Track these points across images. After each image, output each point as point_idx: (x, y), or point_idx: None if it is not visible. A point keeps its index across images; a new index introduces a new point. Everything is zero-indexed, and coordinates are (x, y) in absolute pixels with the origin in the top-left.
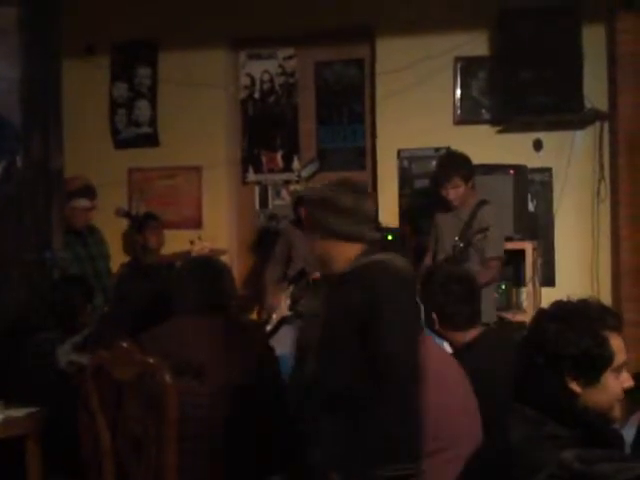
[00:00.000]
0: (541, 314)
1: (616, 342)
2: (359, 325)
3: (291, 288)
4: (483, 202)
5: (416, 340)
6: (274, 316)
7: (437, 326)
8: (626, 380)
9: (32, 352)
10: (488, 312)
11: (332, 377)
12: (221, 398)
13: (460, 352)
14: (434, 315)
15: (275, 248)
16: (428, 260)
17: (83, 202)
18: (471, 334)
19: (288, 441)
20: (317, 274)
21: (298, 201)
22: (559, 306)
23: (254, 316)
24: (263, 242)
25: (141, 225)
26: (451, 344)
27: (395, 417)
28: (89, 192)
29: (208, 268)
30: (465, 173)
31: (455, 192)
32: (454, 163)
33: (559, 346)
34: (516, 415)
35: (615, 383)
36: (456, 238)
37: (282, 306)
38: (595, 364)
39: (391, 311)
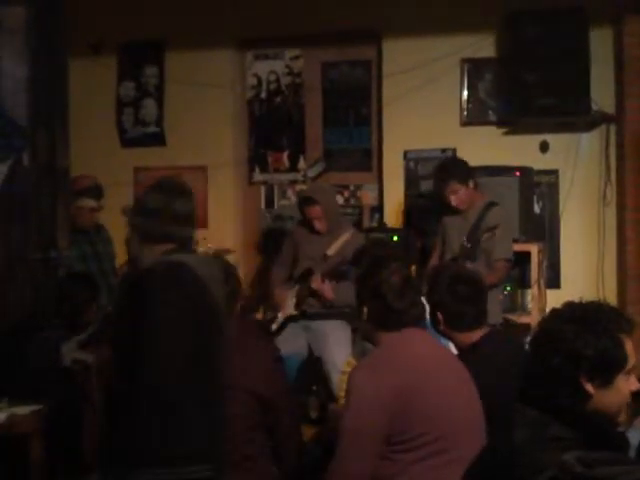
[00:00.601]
0: (555, 315)
1: (629, 345)
2: (127, 326)
3: (297, 287)
4: (492, 204)
5: (180, 349)
6: (279, 315)
7: (442, 326)
8: (633, 383)
9: (37, 350)
10: (494, 313)
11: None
12: (227, 398)
13: (465, 353)
14: (439, 315)
15: (282, 248)
16: (434, 260)
17: (89, 202)
18: (476, 335)
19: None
20: (313, 280)
21: (303, 201)
22: (573, 307)
23: (259, 316)
24: (269, 242)
25: None
26: (456, 345)
27: (147, 420)
28: (96, 192)
29: (214, 267)
30: (461, 175)
31: (456, 197)
32: (447, 169)
33: (577, 347)
34: (519, 416)
35: (625, 385)
36: (464, 239)
37: (288, 305)
38: (611, 366)
39: (152, 319)
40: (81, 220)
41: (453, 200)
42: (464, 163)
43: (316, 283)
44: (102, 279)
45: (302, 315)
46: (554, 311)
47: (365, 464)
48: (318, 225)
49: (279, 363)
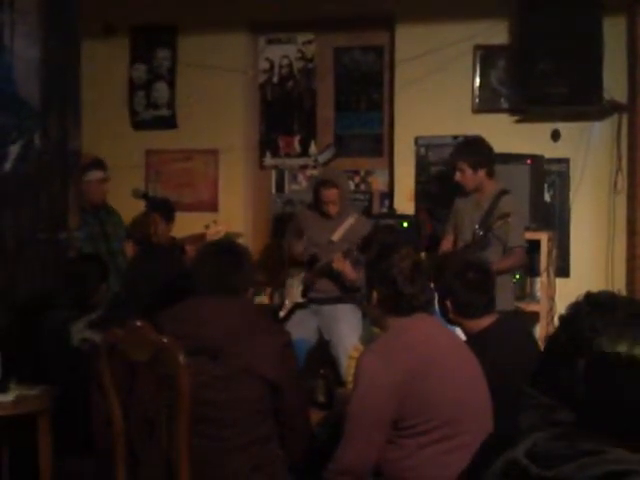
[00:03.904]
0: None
1: None
2: None
3: (303, 274)
4: (504, 192)
5: None
6: (287, 302)
7: (451, 314)
8: None
9: (46, 330)
10: (507, 300)
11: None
12: (236, 381)
13: (473, 340)
14: (448, 303)
15: (288, 229)
16: (445, 246)
17: (97, 174)
18: (485, 322)
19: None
20: (335, 259)
21: (322, 183)
22: (595, 294)
23: (267, 300)
24: (278, 228)
25: (156, 209)
26: (465, 332)
27: None
28: (99, 164)
29: (230, 251)
30: (472, 160)
31: (461, 175)
32: (461, 148)
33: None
34: (527, 400)
35: None
36: (476, 226)
37: (295, 292)
38: None
39: None
40: (92, 194)
41: (457, 176)
42: (481, 150)
43: (339, 263)
44: (110, 259)
45: (309, 302)
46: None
47: (371, 449)
48: (332, 209)
49: (289, 348)
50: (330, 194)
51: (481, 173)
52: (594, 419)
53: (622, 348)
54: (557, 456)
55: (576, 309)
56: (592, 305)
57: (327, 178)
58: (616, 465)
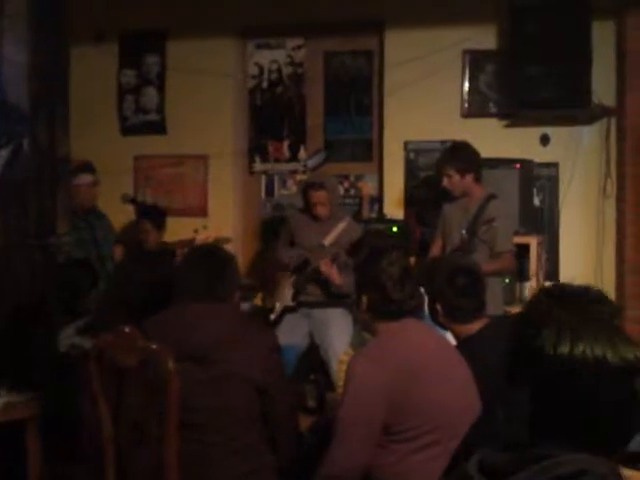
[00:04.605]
0: (540, 291)
1: None
2: None
3: (294, 278)
4: (492, 196)
5: None
6: (277, 305)
7: (441, 318)
8: None
9: (35, 336)
10: (496, 305)
11: None
12: (224, 387)
13: (463, 344)
14: (438, 307)
15: (280, 233)
16: (434, 252)
17: (87, 178)
18: (475, 326)
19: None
20: (324, 265)
21: (310, 185)
22: (558, 286)
23: (258, 303)
24: (268, 232)
25: (145, 214)
26: (455, 336)
27: None
28: (89, 168)
29: (214, 256)
30: (459, 165)
31: (448, 181)
32: (448, 153)
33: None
34: (503, 396)
35: None
36: (463, 231)
37: (285, 296)
38: None
39: None
40: (81, 198)
41: (444, 182)
42: (470, 154)
43: (325, 267)
44: (100, 264)
45: (299, 305)
46: (542, 288)
47: (362, 454)
48: (321, 210)
49: (276, 352)
50: (318, 196)
51: (468, 178)
52: (544, 424)
53: (563, 349)
54: (505, 467)
55: (529, 306)
56: (534, 307)
57: (315, 180)
58: (566, 468)
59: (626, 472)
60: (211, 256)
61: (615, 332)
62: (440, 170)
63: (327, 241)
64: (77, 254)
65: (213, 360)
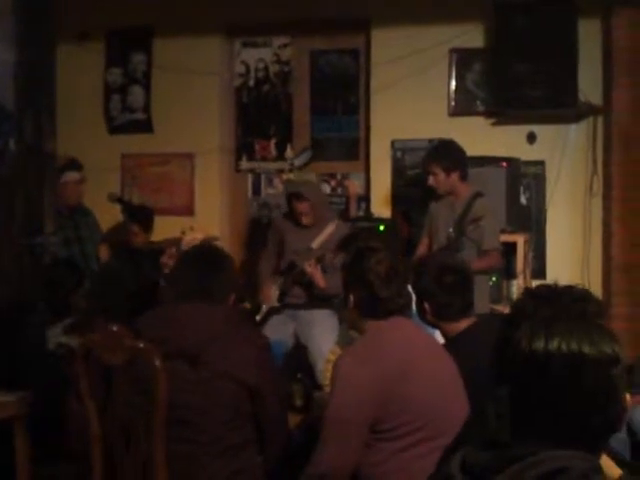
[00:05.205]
0: (524, 293)
1: None
2: None
3: (281, 280)
4: (478, 194)
5: None
6: (264, 307)
7: (429, 316)
8: None
9: (22, 335)
10: (481, 303)
11: None
12: (215, 386)
13: (451, 342)
14: (426, 305)
15: (268, 238)
16: (421, 250)
17: (73, 175)
18: (463, 324)
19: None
20: (308, 266)
21: (293, 196)
22: (543, 287)
23: (247, 305)
24: (255, 232)
25: (134, 216)
26: (443, 334)
27: None
28: (76, 165)
29: (211, 257)
30: (444, 163)
31: (433, 179)
32: (433, 152)
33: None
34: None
35: None
36: (450, 229)
37: (271, 297)
38: None
39: None
40: (67, 195)
41: (429, 180)
42: (455, 152)
43: (310, 268)
44: (84, 263)
45: (285, 307)
46: (526, 288)
47: (349, 452)
48: (305, 220)
49: (268, 353)
50: (302, 207)
51: (454, 176)
52: (524, 421)
53: (538, 345)
54: (487, 467)
55: (512, 306)
56: (515, 306)
57: (296, 191)
58: (547, 465)
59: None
60: (209, 256)
61: (595, 328)
62: (426, 168)
63: (315, 244)
64: (62, 253)
65: (204, 359)
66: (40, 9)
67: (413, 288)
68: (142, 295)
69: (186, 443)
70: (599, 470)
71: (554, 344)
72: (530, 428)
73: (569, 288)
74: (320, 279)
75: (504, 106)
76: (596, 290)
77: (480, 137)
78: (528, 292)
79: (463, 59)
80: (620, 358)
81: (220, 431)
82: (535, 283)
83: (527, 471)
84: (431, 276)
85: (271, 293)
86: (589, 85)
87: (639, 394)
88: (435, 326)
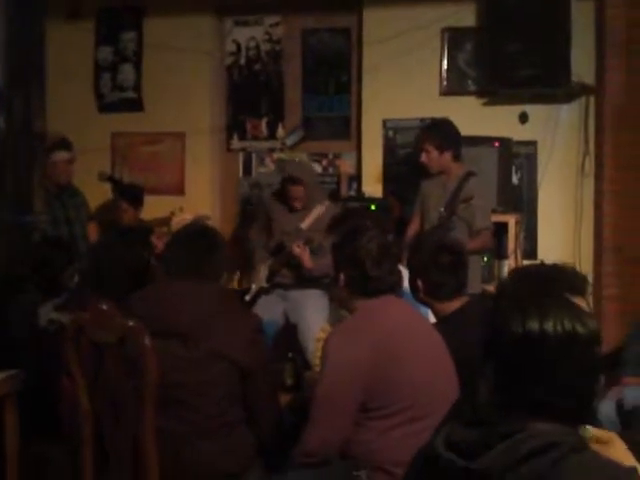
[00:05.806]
0: (513, 273)
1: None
2: None
3: (270, 260)
4: (471, 174)
5: None
6: (253, 286)
7: (422, 294)
8: None
9: (13, 314)
10: (474, 283)
11: None
12: (206, 365)
13: (442, 322)
14: (420, 283)
15: (257, 220)
16: (413, 228)
17: (63, 154)
18: (455, 304)
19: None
20: (296, 247)
21: (289, 179)
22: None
23: (235, 285)
24: (246, 211)
25: (122, 194)
26: (435, 313)
27: None
28: (66, 144)
29: (204, 236)
30: (438, 141)
31: (425, 156)
32: (428, 129)
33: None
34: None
35: None
36: (441, 209)
37: (260, 278)
38: None
39: None
40: (57, 174)
41: (422, 157)
42: (450, 131)
43: (297, 249)
44: (72, 243)
45: (275, 287)
46: (513, 269)
47: (339, 431)
48: (298, 204)
49: (260, 333)
50: (297, 190)
51: (447, 155)
52: (512, 398)
53: (533, 325)
54: (474, 444)
55: (499, 288)
56: (501, 286)
57: (294, 175)
58: (536, 441)
59: (596, 432)
60: (202, 236)
61: (574, 305)
62: (419, 145)
63: (304, 225)
64: (50, 233)
65: (196, 339)
66: None
67: (408, 265)
68: (134, 273)
69: (177, 421)
70: (585, 444)
71: (549, 324)
72: (517, 405)
73: (555, 266)
74: (307, 261)
75: (496, 86)
76: (587, 271)
77: (472, 117)
78: (512, 271)
79: (455, 38)
80: (601, 336)
81: (214, 410)
82: (526, 263)
83: (517, 448)
84: (428, 254)
85: (261, 272)
86: (582, 65)
87: (630, 375)
88: (427, 305)
